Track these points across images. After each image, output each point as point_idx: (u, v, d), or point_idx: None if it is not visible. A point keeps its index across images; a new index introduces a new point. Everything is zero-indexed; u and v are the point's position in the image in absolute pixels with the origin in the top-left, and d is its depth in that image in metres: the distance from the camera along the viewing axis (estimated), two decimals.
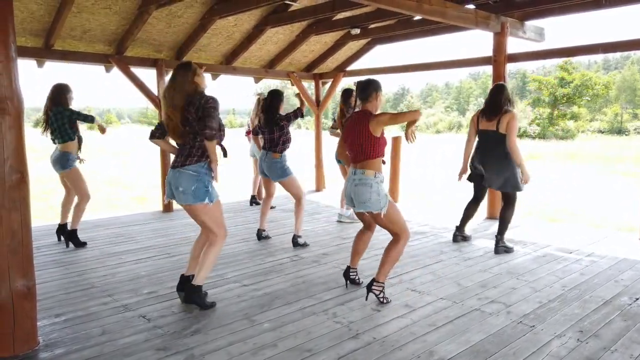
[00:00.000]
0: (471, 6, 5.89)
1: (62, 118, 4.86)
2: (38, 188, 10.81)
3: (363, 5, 5.56)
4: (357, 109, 3.62)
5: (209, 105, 3.21)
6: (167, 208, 7.25)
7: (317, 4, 6.22)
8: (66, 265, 4.52)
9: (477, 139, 4.95)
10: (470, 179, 5.11)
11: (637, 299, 3.61)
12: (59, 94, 4.93)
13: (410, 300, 3.61)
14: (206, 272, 3.41)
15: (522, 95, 56.27)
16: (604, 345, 2.88)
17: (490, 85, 5.69)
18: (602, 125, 44.84)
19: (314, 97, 9.30)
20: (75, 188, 5.01)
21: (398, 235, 3.51)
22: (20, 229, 2.76)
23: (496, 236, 4.91)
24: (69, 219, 5.18)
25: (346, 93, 6.02)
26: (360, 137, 3.42)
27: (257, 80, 8.89)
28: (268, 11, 6.76)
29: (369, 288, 3.54)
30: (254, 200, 7.77)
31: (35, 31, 5.90)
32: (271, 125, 5.03)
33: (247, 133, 7.82)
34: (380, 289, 3.54)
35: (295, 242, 5.14)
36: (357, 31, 7.20)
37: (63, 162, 4.91)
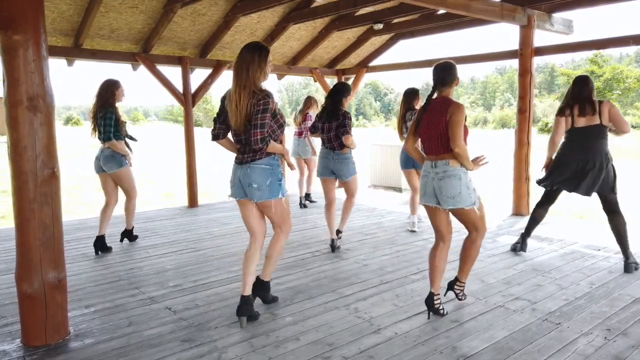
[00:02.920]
0: None
1: (109, 118, 4.65)
2: (68, 184, 11.12)
3: (386, 0, 5.54)
4: (434, 96, 3.23)
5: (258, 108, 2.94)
6: (192, 203, 7.37)
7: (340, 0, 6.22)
8: (95, 258, 4.65)
9: (564, 139, 4.36)
10: (551, 184, 4.43)
11: None
12: (106, 92, 4.70)
13: None
14: (273, 266, 3.41)
15: (551, 89, 54.96)
16: (633, 343, 2.82)
17: (517, 80, 5.55)
18: (635, 120, 43.49)
19: None
20: (126, 186, 4.90)
21: (478, 231, 3.24)
22: (52, 223, 2.85)
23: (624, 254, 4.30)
24: (121, 223, 5.24)
25: (412, 94, 5.48)
26: (442, 126, 3.09)
27: (280, 77, 8.94)
28: (291, 8, 6.80)
29: (451, 286, 3.49)
30: (307, 199, 7.47)
31: (65, 31, 6.06)
32: (337, 120, 4.62)
33: (298, 134, 7.40)
34: (462, 288, 3.47)
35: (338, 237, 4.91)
36: (380, 26, 7.16)
37: (119, 159, 4.75)
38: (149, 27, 6.41)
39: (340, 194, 5.40)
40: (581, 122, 4.20)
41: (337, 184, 5.00)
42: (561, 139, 4.38)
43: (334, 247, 4.86)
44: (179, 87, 7.24)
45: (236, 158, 3.17)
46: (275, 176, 3.08)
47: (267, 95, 2.94)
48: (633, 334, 2.95)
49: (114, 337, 2.96)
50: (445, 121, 3.07)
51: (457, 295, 3.50)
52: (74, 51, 6.34)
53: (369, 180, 10.06)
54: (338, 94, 4.66)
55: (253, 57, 2.96)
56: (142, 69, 7.06)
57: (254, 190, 3.05)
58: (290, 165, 3.49)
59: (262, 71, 2.98)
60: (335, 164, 4.73)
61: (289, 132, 7.68)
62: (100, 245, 4.84)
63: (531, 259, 4.49)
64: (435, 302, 3.25)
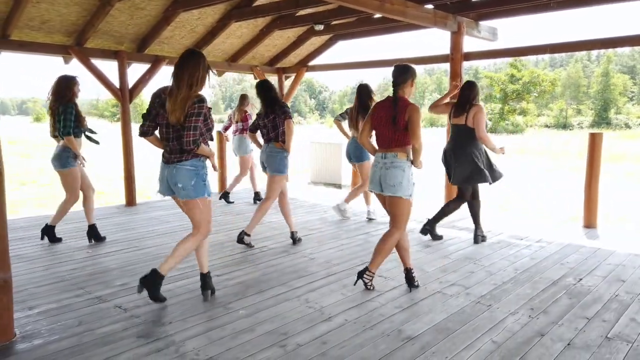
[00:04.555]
0: (430, 6, 6.15)
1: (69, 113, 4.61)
2: None
3: (326, 2, 5.72)
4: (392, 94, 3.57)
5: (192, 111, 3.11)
6: (130, 202, 7.19)
7: (281, 0, 6.33)
8: (31, 260, 4.47)
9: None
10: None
11: (581, 279, 3.97)
12: (64, 89, 4.66)
13: (377, 285, 3.81)
14: (174, 262, 3.34)
15: None
16: (553, 320, 3.19)
17: (445, 82, 5.96)
18: (549, 120, 47.05)
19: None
20: (66, 187, 4.83)
21: (397, 227, 3.59)
22: None
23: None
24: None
25: (366, 88, 5.76)
26: (396, 124, 3.44)
27: (220, 74, 8.90)
28: (232, 5, 6.80)
29: (360, 275, 3.68)
30: (257, 198, 7.39)
31: None
32: (273, 113, 4.74)
33: (225, 129, 7.65)
34: (371, 277, 3.69)
35: (241, 240, 4.87)
36: (320, 27, 7.35)
37: (64, 160, 4.71)
38: (84, 19, 6.17)
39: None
40: (454, 120, 4.95)
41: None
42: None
43: (294, 240, 5.04)
44: (115, 82, 7.03)
45: (163, 156, 3.32)
46: (200, 177, 3.25)
47: (201, 100, 3.12)
48: (552, 312, 3.33)
49: (64, 337, 2.92)
50: (404, 120, 3.43)
51: (365, 284, 3.69)
52: (0, 42, 5.98)
53: (309, 177, 10.25)
54: (271, 90, 4.81)
55: (198, 64, 3.13)
56: (75, 62, 6.77)
57: (180, 190, 3.24)
58: (214, 167, 3.56)
59: (203, 80, 3.17)
60: (267, 157, 4.82)
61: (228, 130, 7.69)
62: (49, 233, 5.00)
63: (463, 249, 4.87)
64: (366, 276, 3.69)
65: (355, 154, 5.89)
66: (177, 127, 3.13)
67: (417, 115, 3.44)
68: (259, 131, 5.01)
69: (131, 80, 7.15)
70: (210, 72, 3.24)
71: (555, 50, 6.52)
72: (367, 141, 3.76)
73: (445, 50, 6.81)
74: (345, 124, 6.20)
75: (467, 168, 4.85)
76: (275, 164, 4.78)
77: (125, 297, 3.56)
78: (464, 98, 4.87)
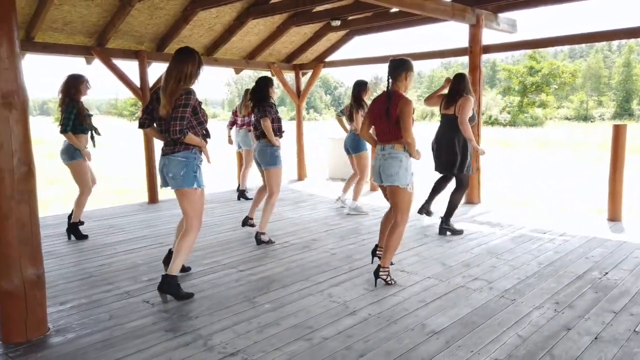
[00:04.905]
0: None
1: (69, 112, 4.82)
2: None
3: None
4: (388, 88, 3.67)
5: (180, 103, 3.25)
6: (153, 199, 7.31)
7: None
8: (61, 256, 4.59)
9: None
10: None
11: (606, 273, 3.92)
12: (71, 87, 4.86)
13: (399, 280, 3.83)
14: (181, 261, 3.45)
15: (492, 83, 57.38)
16: (579, 314, 3.17)
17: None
18: (569, 112, 46.23)
19: (294, 88, 9.44)
20: (77, 180, 5.05)
21: (400, 219, 3.66)
22: (30, 220, 2.85)
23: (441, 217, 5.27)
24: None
25: (361, 85, 6.08)
26: (389, 117, 3.56)
27: (237, 72, 8.96)
28: (250, 3, 6.84)
29: (377, 274, 3.70)
30: (242, 195, 7.53)
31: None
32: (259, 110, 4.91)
33: (232, 124, 7.73)
34: (387, 273, 3.72)
35: (259, 240, 4.91)
36: (337, 23, 7.35)
37: (72, 152, 4.91)
38: (105, 20, 6.28)
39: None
40: (444, 110, 5.12)
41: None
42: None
43: (244, 223, 5.38)
44: (136, 82, 7.14)
45: (161, 149, 3.49)
46: (190, 168, 3.38)
47: (189, 92, 3.27)
48: (578, 306, 3.30)
49: (96, 331, 3.00)
50: (396, 114, 3.53)
51: (385, 280, 3.71)
52: (25, 45, 6.09)
53: (327, 173, 10.28)
54: (260, 89, 4.93)
55: (187, 60, 3.30)
56: (97, 62, 6.90)
57: (171, 180, 3.43)
58: (208, 158, 3.60)
59: (192, 76, 3.33)
60: (259, 152, 4.96)
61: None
62: (74, 231, 5.16)
63: (486, 243, 4.84)
64: (379, 252, 3.97)
65: (352, 145, 6.21)
66: (168, 119, 3.28)
67: (407, 108, 3.51)
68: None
69: (151, 80, 7.26)
70: (201, 69, 3.37)
71: (576, 41, 6.41)
72: (367, 135, 3.93)
73: (463, 43, 6.76)
74: (346, 120, 6.50)
75: (451, 156, 5.02)
76: (267, 158, 4.91)
77: (152, 292, 3.63)
78: (454, 90, 5.05)
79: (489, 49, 6.71)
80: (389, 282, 3.72)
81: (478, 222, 5.71)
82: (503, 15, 6.81)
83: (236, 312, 3.25)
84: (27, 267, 2.84)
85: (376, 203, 6.62)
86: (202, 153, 3.48)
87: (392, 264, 3.84)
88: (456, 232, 5.18)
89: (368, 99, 5.88)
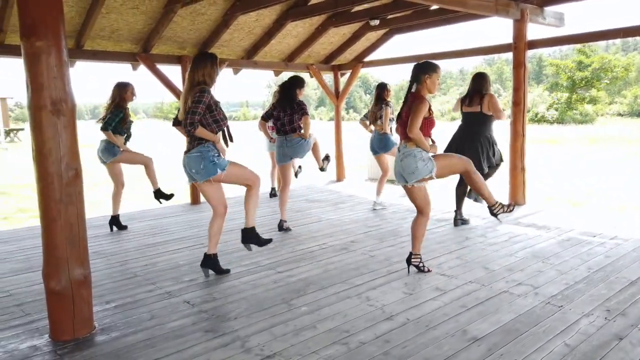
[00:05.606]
0: None
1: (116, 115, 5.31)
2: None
3: None
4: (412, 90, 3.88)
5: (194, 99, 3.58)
6: (195, 200, 7.48)
7: None
8: (108, 256, 4.76)
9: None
10: None
11: None
12: (117, 95, 5.33)
13: (440, 283, 3.75)
14: (253, 213, 3.97)
15: (539, 79, 55.40)
16: (632, 322, 2.99)
17: (507, 72, 5.92)
18: (622, 108, 44.00)
19: (333, 89, 9.43)
20: (137, 161, 5.73)
21: (422, 213, 3.90)
22: (77, 221, 2.96)
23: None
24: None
25: (381, 87, 6.42)
26: (401, 117, 3.79)
27: (277, 74, 9.04)
28: (289, 5, 6.88)
29: (409, 262, 3.92)
30: (275, 194, 7.77)
31: (67, 33, 6.06)
32: (291, 108, 5.33)
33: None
34: (419, 259, 3.93)
35: (280, 227, 5.56)
36: (376, 22, 7.29)
37: (112, 150, 5.36)
38: (149, 27, 6.47)
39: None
40: (467, 109, 5.33)
41: (292, 169, 5.80)
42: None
43: (280, 228, 5.53)
44: (179, 86, 7.32)
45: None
46: (207, 159, 3.64)
47: (203, 90, 3.59)
48: (631, 314, 3.12)
49: (139, 330, 3.09)
50: (409, 113, 3.65)
51: (418, 267, 3.97)
52: (75, 52, 6.39)
53: (367, 174, 10.21)
54: (292, 86, 5.37)
55: (203, 63, 3.64)
56: (142, 68, 7.13)
57: (195, 175, 3.72)
58: (222, 151, 3.84)
59: (210, 77, 3.66)
60: (290, 148, 5.33)
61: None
62: (115, 222, 5.74)
63: (531, 247, 4.67)
64: (413, 260, 3.98)
65: (380, 145, 6.40)
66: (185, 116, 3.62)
67: (418, 105, 3.61)
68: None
69: None
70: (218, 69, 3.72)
71: (629, 34, 6.08)
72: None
73: (505, 39, 6.55)
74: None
75: (480, 151, 5.18)
76: (303, 150, 5.35)
77: (193, 293, 3.71)
78: (474, 89, 5.27)
79: (534, 44, 6.49)
80: (424, 269, 3.91)
81: (523, 224, 5.51)
82: (549, 9, 6.55)
83: (273, 314, 3.27)
84: (74, 268, 2.96)
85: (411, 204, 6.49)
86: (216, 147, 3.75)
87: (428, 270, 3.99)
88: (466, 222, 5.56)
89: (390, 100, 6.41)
